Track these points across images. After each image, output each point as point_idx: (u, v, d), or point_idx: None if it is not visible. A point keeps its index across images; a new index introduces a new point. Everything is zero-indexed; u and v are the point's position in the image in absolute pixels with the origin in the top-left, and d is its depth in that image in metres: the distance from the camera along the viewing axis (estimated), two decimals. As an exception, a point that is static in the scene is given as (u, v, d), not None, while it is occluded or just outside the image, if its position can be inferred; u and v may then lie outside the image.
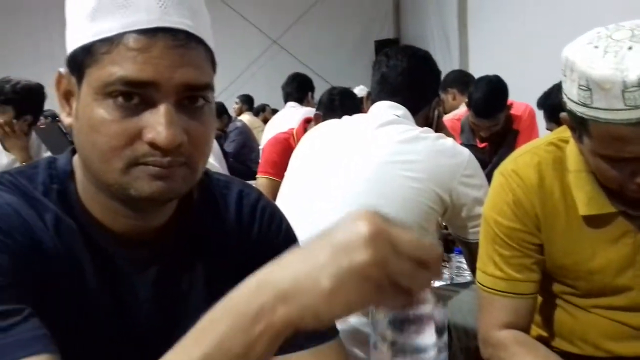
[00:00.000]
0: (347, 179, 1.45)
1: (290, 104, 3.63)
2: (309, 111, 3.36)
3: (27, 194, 0.71)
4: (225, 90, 9.85)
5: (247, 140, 5.53)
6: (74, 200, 0.73)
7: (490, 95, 2.60)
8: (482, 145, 2.75)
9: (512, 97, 2.79)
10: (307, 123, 2.72)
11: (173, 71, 0.65)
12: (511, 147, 2.68)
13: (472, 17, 6.48)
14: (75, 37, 0.67)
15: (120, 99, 0.65)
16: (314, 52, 9.94)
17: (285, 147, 2.56)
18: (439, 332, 0.55)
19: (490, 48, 5.88)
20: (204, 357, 0.52)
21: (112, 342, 0.74)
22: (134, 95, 0.65)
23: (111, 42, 0.65)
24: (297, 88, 3.65)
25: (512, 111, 2.74)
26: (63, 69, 0.71)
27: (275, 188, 2.43)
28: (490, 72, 5.38)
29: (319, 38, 9.96)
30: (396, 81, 1.58)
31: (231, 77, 9.91)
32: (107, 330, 0.74)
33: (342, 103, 2.63)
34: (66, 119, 0.72)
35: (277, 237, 0.89)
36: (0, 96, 2.55)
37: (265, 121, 6.50)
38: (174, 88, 0.66)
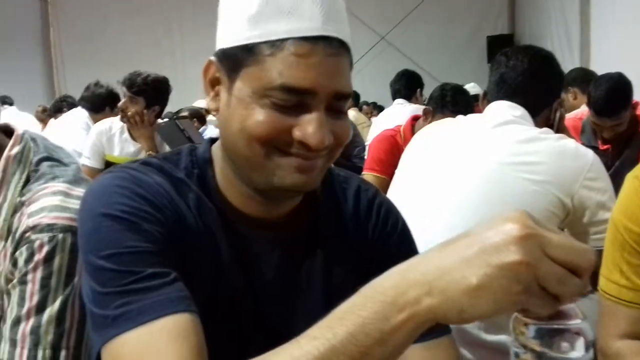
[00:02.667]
0: (462, 180, 1.42)
1: (398, 100, 3.60)
2: (417, 108, 3.32)
3: (173, 176, 0.78)
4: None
5: (352, 136, 5.57)
6: (211, 185, 0.80)
7: (611, 93, 2.43)
8: (604, 147, 2.58)
9: (638, 97, 2.60)
10: (414, 120, 2.69)
11: (329, 80, 0.70)
12: (636, 150, 2.50)
13: (596, 12, 6.07)
14: (234, 37, 0.72)
15: (277, 101, 0.70)
16: (422, 49, 9.77)
17: (392, 144, 2.55)
18: (587, 348, 0.53)
19: (615, 44, 5.48)
20: (347, 336, 0.54)
21: (238, 317, 0.79)
22: (291, 100, 0.70)
23: (275, 46, 0.69)
24: (406, 85, 3.61)
25: (638, 112, 2.55)
26: (213, 58, 0.76)
27: (381, 185, 2.44)
28: (614, 70, 5.03)
29: (428, 34, 9.78)
30: (515, 82, 1.52)
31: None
32: (236, 305, 0.79)
33: (453, 99, 2.58)
34: (210, 103, 0.78)
35: (393, 233, 0.90)
36: (133, 88, 2.76)
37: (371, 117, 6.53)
38: (328, 96, 0.71)
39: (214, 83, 0.78)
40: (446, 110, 2.52)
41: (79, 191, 1.01)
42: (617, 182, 2.57)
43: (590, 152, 1.42)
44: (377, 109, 8.16)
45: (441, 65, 9.85)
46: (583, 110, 2.68)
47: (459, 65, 9.90)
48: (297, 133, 0.71)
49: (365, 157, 4.33)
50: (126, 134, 2.88)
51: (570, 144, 1.41)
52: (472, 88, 4.95)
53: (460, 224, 1.38)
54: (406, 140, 2.53)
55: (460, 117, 1.61)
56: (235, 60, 0.72)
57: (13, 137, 1.05)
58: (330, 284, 0.85)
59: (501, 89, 1.54)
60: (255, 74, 0.70)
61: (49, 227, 0.94)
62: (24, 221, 0.96)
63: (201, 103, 7.23)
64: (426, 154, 1.55)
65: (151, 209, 0.72)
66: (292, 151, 0.72)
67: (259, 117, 0.70)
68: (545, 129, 1.46)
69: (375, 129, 3.56)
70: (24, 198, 1.00)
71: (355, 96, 7.00)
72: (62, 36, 10.86)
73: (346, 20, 0.75)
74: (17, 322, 0.93)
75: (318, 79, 0.69)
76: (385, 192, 1.88)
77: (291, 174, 0.73)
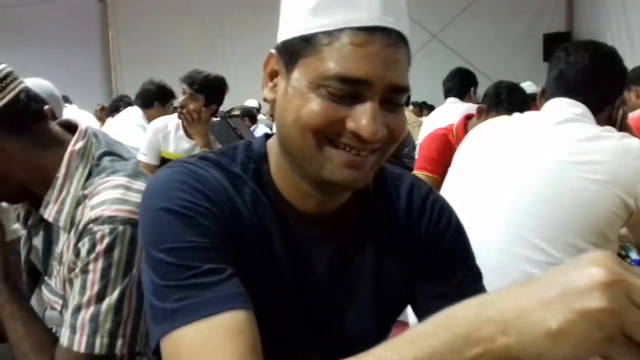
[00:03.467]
0: (518, 178, 1.38)
1: (451, 99, 3.54)
2: (470, 107, 3.26)
3: (229, 171, 0.79)
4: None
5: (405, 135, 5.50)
6: (266, 179, 0.81)
7: None
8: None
9: None
10: (467, 119, 2.64)
11: (385, 71, 0.70)
12: None
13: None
14: (294, 28, 0.73)
15: (332, 91, 0.70)
16: (475, 47, 9.57)
17: (444, 143, 2.51)
18: None
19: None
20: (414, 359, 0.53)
21: (289, 311, 0.80)
22: (346, 90, 0.70)
23: (332, 36, 0.69)
24: (460, 83, 3.54)
25: None
26: (273, 50, 0.77)
27: (432, 184, 2.40)
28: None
29: (481, 32, 9.58)
30: (576, 78, 1.47)
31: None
32: (286, 299, 0.80)
33: (509, 97, 2.52)
34: (268, 94, 0.79)
35: (446, 231, 0.89)
36: (194, 85, 2.82)
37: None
38: (383, 87, 0.70)
39: (272, 75, 0.78)
40: (501, 108, 2.46)
41: (139, 184, 1.04)
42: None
43: (655, 154, 1.36)
44: (427, 108, 8.06)
45: (495, 64, 9.63)
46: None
47: (514, 64, 9.64)
48: (350, 124, 0.70)
49: (416, 156, 4.29)
50: (181, 131, 2.94)
51: (634, 143, 1.35)
52: (529, 87, 4.80)
53: (516, 222, 1.34)
54: (459, 139, 2.48)
55: (516, 114, 1.57)
56: (294, 50, 0.73)
57: (77, 133, 1.09)
58: (380, 279, 0.85)
59: (560, 86, 1.49)
60: (312, 64, 0.71)
61: (110, 219, 0.97)
62: (87, 213, 1.00)
63: (252, 102, 7.34)
64: (481, 151, 1.52)
65: (209, 204, 0.73)
66: (343, 142, 0.72)
67: (313, 106, 0.70)
68: (607, 127, 1.40)
69: (426, 128, 3.51)
70: (86, 191, 1.04)
71: (405, 95, 6.95)
72: (120, 37, 11.23)
73: (405, 13, 0.75)
74: (77, 309, 0.97)
75: (373, 69, 0.69)
76: (437, 191, 1.85)
77: (340, 169, 0.72)
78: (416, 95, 8.21)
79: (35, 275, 1.18)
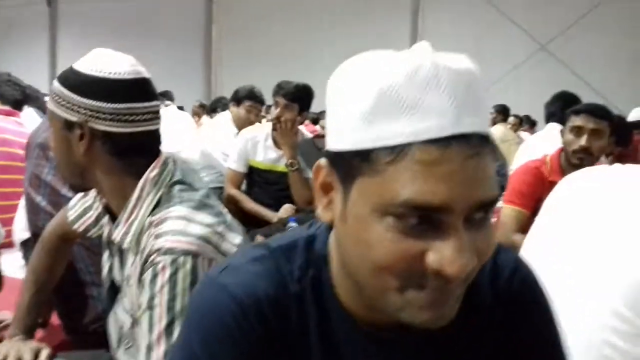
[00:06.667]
0: (614, 244, 1.25)
1: (552, 125, 3.31)
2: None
3: (283, 283, 0.71)
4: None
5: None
6: (327, 287, 0.71)
7: None
8: None
9: None
10: (562, 151, 2.47)
11: (467, 190, 0.56)
12: None
13: None
14: (345, 138, 0.59)
15: (403, 221, 0.57)
16: (589, 61, 9.00)
17: (536, 176, 2.35)
18: None
19: None
20: None
21: None
22: (421, 218, 0.56)
23: (396, 152, 0.56)
24: (562, 107, 3.29)
25: None
26: (324, 161, 0.65)
27: (520, 220, 2.27)
28: None
29: (597, 44, 8.96)
30: None
31: (487, 82, 9.60)
32: None
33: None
34: (323, 213, 0.66)
35: (535, 316, 0.78)
36: (288, 96, 2.83)
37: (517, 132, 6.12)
38: (467, 209, 0.56)
39: (326, 188, 0.65)
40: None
41: (201, 217, 1.05)
42: None
43: None
44: (529, 123, 7.70)
45: (610, 81, 8.98)
46: None
47: (632, 83, 8.93)
48: (430, 259, 0.57)
49: (507, 174, 4.07)
50: (270, 141, 2.98)
51: None
52: (638, 112, 4.43)
53: (619, 300, 1.22)
54: (553, 171, 2.35)
55: (617, 166, 1.43)
56: (349, 166, 0.59)
57: (156, 160, 1.11)
58: None
59: None
60: (373, 187, 0.57)
61: (171, 250, 0.98)
62: (151, 242, 1.02)
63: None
64: (575, 206, 1.39)
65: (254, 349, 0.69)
66: (427, 283, 0.58)
67: (383, 241, 0.57)
68: None
69: (523, 154, 3.32)
70: (153, 218, 1.06)
71: (504, 110, 6.62)
72: (223, 34, 11.66)
73: (486, 104, 0.60)
74: (149, 349, 0.98)
75: (453, 191, 0.55)
76: (525, 226, 1.72)
77: (422, 312, 0.60)
78: (518, 108, 7.85)
79: (115, 291, 1.23)
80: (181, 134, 4.18)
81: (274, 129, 2.93)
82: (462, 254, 0.56)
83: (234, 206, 2.91)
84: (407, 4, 10.35)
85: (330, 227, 0.71)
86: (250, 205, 2.92)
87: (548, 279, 1.35)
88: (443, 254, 0.56)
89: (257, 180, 3.02)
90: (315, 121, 6.33)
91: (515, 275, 0.75)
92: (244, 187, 3.11)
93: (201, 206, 1.07)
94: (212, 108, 4.76)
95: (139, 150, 1.09)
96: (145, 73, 1.10)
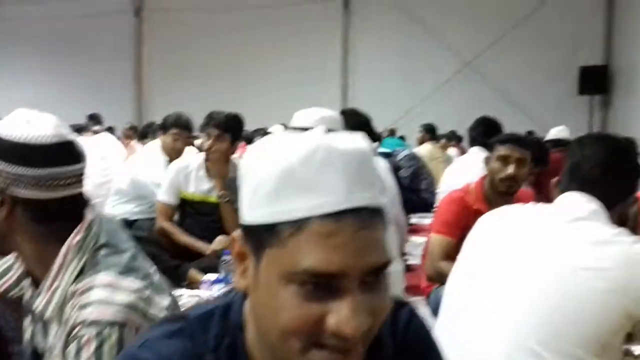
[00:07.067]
0: (529, 284, 1.35)
1: (474, 149, 3.48)
2: (493, 159, 3.20)
3: (198, 355, 0.73)
4: (411, 111, 9.88)
5: (419, 168, 5.45)
6: (242, 354, 0.75)
7: None
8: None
9: None
10: (484, 179, 2.60)
11: (360, 257, 0.63)
12: None
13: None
14: (254, 213, 0.66)
15: (304, 287, 0.63)
16: (508, 77, 9.50)
17: (460, 205, 2.46)
18: None
19: None
20: None
21: None
22: (320, 284, 0.63)
23: (296, 226, 0.63)
24: (483, 133, 3.47)
25: None
26: (237, 233, 0.70)
27: (447, 247, 2.35)
28: None
29: (515, 61, 9.49)
30: (591, 173, 1.44)
31: (416, 99, 9.90)
32: None
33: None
34: (239, 280, 0.71)
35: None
36: (219, 126, 2.83)
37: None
38: (361, 275, 0.63)
39: (241, 257, 0.71)
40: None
41: (127, 282, 1.03)
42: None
43: (666, 259, 1.32)
44: (456, 138, 7.99)
45: (528, 95, 9.54)
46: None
47: (548, 95, 9.53)
48: (330, 321, 0.63)
49: (435, 192, 4.20)
50: (202, 172, 2.95)
51: None
52: (561, 132, 4.70)
53: (522, 329, 1.32)
54: (477, 199, 2.45)
55: (529, 206, 1.54)
56: (259, 238, 0.66)
57: (80, 224, 1.09)
58: None
59: (574, 179, 1.46)
60: (278, 257, 0.64)
61: (95, 322, 0.97)
62: (75, 313, 1.00)
63: (277, 128, 7.35)
64: (490, 247, 1.49)
65: None
66: (328, 343, 0.64)
67: (287, 307, 0.63)
68: (619, 231, 1.37)
69: (449, 178, 3.45)
70: (77, 287, 1.03)
71: (431, 129, 6.85)
72: (154, 53, 11.47)
73: (377, 178, 0.68)
74: None
75: (347, 259, 0.62)
76: (453, 254, 1.82)
77: None
78: (445, 124, 8.14)
79: (38, 358, 1.19)
80: (110, 162, 4.10)
81: (206, 160, 2.93)
82: (358, 315, 0.62)
83: (166, 239, 2.88)
84: (337, 22, 10.53)
85: (246, 294, 0.75)
86: (183, 238, 2.87)
87: (467, 313, 1.45)
88: (340, 316, 0.62)
89: (189, 211, 2.98)
90: (249, 141, 6.34)
91: (410, 326, 0.83)
92: (176, 217, 3.08)
93: (127, 270, 1.05)
94: (142, 134, 4.68)
95: (62, 215, 1.06)
96: (69, 135, 1.07)
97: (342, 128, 2.46)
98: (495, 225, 1.55)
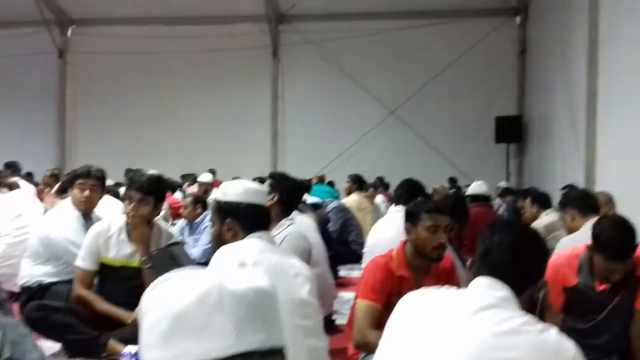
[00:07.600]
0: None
1: (397, 208, 3.58)
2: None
3: None
4: (340, 157, 10.04)
5: (347, 220, 5.52)
6: None
7: (624, 236, 2.42)
8: (601, 288, 2.55)
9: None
10: (405, 244, 2.67)
11: None
12: (632, 292, 2.47)
13: (603, 105, 6.14)
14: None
15: None
16: (431, 125, 9.93)
17: (385, 272, 2.51)
18: None
19: (621, 140, 5.50)
20: None
21: None
22: None
23: None
24: (408, 192, 3.59)
25: (637, 253, 2.53)
26: None
27: (373, 314, 2.38)
28: (621, 166, 4.96)
29: (437, 111, 9.97)
30: (500, 258, 1.51)
31: (345, 144, 10.08)
32: None
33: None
34: None
35: None
36: (142, 189, 2.74)
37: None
38: None
39: None
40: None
41: None
42: (612, 322, 2.54)
43: (571, 347, 1.39)
44: (383, 185, 8.16)
45: (449, 142, 9.96)
46: (580, 249, 2.66)
47: (468, 143, 9.99)
48: None
49: (363, 246, 4.26)
50: (124, 235, 2.85)
51: (551, 337, 1.38)
52: (478, 187, 4.92)
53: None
54: (400, 266, 2.50)
55: (443, 291, 1.59)
56: None
57: None
58: None
59: (484, 264, 1.53)
60: None
61: None
62: None
63: (207, 177, 7.29)
64: (409, 332, 1.52)
65: None
66: None
67: None
68: (527, 319, 1.43)
69: (374, 236, 3.51)
70: None
71: (359, 179, 6.96)
72: (77, 95, 11.13)
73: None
74: None
75: None
76: (380, 320, 1.83)
77: None
78: (375, 170, 8.30)
79: None
80: (27, 219, 3.89)
81: (127, 224, 2.84)
82: None
83: (84, 308, 2.76)
84: (267, 69, 10.65)
85: None
86: (103, 307, 2.75)
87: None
88: None
89: (110, 276, 2.84)
90: (174, 189, 6.25)
91: None
92: (96, 280, 2.93)
93: None
94: (62, 189, 4.49)
95: None
96: None
97: (268, 196, 2.47)
98: (415, 309, 1.59)
